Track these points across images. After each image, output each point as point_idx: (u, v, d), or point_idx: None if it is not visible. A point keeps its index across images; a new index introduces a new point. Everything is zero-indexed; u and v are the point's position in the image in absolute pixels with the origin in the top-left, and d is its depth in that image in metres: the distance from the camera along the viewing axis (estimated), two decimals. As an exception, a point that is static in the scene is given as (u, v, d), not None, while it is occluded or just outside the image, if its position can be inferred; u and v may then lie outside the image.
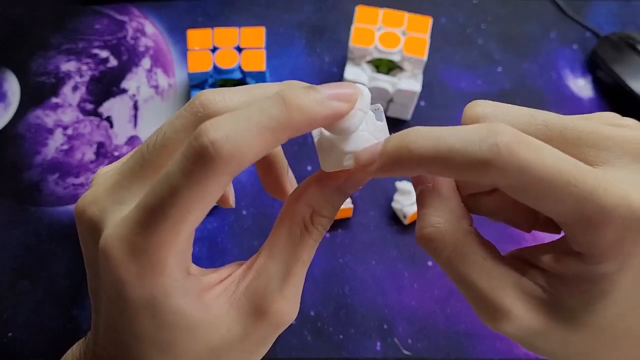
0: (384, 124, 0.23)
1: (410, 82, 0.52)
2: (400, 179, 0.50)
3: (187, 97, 0.57)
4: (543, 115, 0.21)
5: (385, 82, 0.52)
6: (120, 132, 0.55)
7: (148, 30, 0.60)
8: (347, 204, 0.49)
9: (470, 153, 0.19)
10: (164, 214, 0.19)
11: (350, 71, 0.53)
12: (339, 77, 0.57)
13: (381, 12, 0.53)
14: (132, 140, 0.55)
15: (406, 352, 0.46)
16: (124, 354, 0.21)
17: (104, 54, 0.59)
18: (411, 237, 0.50)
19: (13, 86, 0.58)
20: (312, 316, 0.47)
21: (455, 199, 0.22)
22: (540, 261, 0.22)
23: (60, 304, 0.48)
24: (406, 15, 0.53)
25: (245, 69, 0.52)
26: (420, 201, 0.22)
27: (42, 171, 0.53)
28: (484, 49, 0.59)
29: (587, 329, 0.21)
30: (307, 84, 0.22)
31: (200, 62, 0.52)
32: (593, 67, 0.57)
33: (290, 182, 0.27)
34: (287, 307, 0.22)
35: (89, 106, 0.56)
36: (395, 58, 0.52)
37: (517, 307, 0.21)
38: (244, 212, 0.51)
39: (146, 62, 0.58)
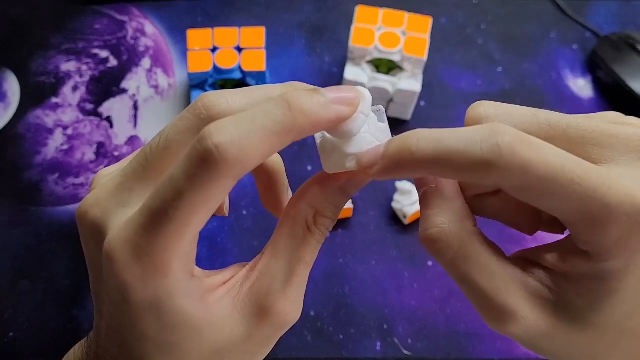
0: (385, 126, 0.23)
1: (410, 82, 0.52)
2: (401, 179, 0.50)
3: (187, 97, 0.57)
4: (546, 114, 0.21)
5: (385, 82, 0.52)
6: (120, 132, 0.55)
7: (148, 30, 0.60)
8: (347, 204, 0.49)
9: (471, 154, 0.18)
10: (168, 217, 0.19)
11: (350, 71, 0.53)
12: (339, 77, 0.57)
13: (381, 12, 0.53)
14: (132, 140, 0.55)
15: (406, 352, 0.46)
16: (127, 355, 0.21)
17: (104, 54, 0.59)
18: (411, 237, 0.50)
19: (13, 86, 0.58)
20: (312, 316, 0.47)
21: (459, 200, 0.22)
22: (546, 261, 0.22)
23: (61, 304, 0.48)
24: (406, 15, 0.53)
25: (245, 69, 0.52)
26: (424, 202, 0.22)
27: (42, 171, 0.53)
28: (484, 49, 0.59)
29: (594, 329, 0.21)
30: (310, 86, 0.22)
31: (200, 62, 0.52)
32: (593, 67, 0.57)
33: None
34: (290, 308, 0.22)
35: (89, 106, 0.56)
36: (395, 58, 0.52)
37: (524, 308, 0.21)
38: (244, 212, 0.51)
39: (146, 62, 0.58)
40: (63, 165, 0.53)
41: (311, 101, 0.20)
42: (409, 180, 0.50)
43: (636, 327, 0.21)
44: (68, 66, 0.58)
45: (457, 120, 0.55)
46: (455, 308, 0.47)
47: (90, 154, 0.54)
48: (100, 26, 0.60)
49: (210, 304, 0.21)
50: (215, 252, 0.49)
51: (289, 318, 0.22)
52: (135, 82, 0.57)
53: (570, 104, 0.56)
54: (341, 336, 0.46)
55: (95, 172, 0.53)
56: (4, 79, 0.58)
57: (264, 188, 0.27)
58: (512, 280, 0.21)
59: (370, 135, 0.22)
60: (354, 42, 0.51)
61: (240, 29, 0.53)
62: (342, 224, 0.50)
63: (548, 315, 0.21)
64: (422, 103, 0.56)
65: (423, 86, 0.53)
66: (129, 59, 0.58)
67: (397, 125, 0.55)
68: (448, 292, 0.48)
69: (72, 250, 0.50)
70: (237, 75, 0.52)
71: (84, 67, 0.58)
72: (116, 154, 0.54)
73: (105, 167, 0.51)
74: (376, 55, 0.52)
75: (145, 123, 0.55)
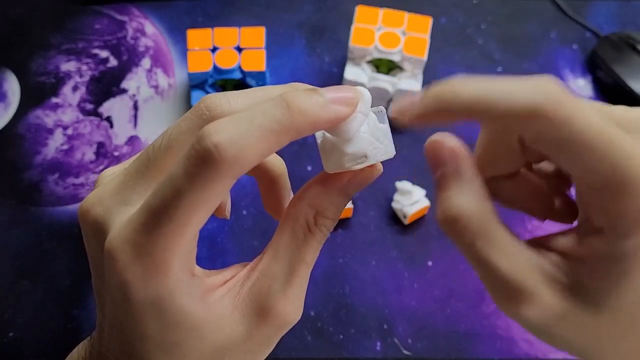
0: (386, 126, 0.23)
1: (410, 82, 0.52)
2: (401, 179, 0.50)
3: (187, 97, 0.57)
4: (580, 99, 0.21)
5: (385, 82, 0.52)
6: (120, 132, 0.55)
7: (148, 30, 0.60)
8: (347, 204, 0.49)
9: (520, 99, 0.19)
10: (168, 217, 0.19)
11: (350, 71, 0.53)
12: (339, 77, 0.57)
13: (381, 12, 0.53)
14: (132, 140, 0.55)
15: (406, 352, 0.46)
16: (129, 354, 0.21)
17: (104, 54, 0.59)
18: (411, 237, 0.50)
19: (13, 86, 0.58)
20: (312, 316, 0.47)
21: (478, 181, 0.22)
22: (561, 245, 0.22)
23: (61, 304, 0.48)
24: (406, 15, 0.53)
25: (245, 69, 0.52)
26: (442, 184, 0.22)
27: (42, 171, 0.53)
28: (484, 49, 0.59)
29: (608, 312, 0.20)
30: (310, 86, 0.22)
31: (200, 62, 0.52)
32: (593, 67, 0.57)
33: None
34: (290, 308, 0.22)
35: (89, 106, 0.56)
36: (395, 58, 0.52)
37: (541, 289, 0.21)
38: (244, 212, 0.51)
39: (146, 62, 0.58)
40: (63, 165, 0.53)
41: (310, 101, 0.20)
42: (409, 180, 0.50)
43: None
44: (68, 66, 0.58)
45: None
46: (455, 308, 0.47)
47: (90, 154, 0.54)
48: (100, 26, 0.60)
49: (211, 303, 0.21)
50: (215, 252, 0.49)
51: (289, 318, 0.22)
52: (135, 82, 0.57)
53: (570, 104, 0.56)
54: (341, 336, 0.46)
55: (96, 172, 0.53)
56: (4, 79, 0.58)
57: (266, 191, 0.27)
58: (529, 263, 0.21)
59: (370, 136, 0.22)
60: (354, 42, 0.51)
61: (240, 29, 0.53)
62: (342, 224, 0.50)
63: (563, 299, 0.21)
64: (422, 103, 0.56)
65: (423, 86, 0.53)
66: (129, 59, 0.58)
67: (397, 126, 0.55)
68: (448, 292, 0.48)
69: (72, 250, 0.50)
70: (237, 75, 0.52)
71: (84, 67, 0.58)
72: (116, 154, 0.54)
73: (105, 167, 0.51)
74: (376, 55, 0.52)
75: (145, 123, 0.55)
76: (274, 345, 0.23)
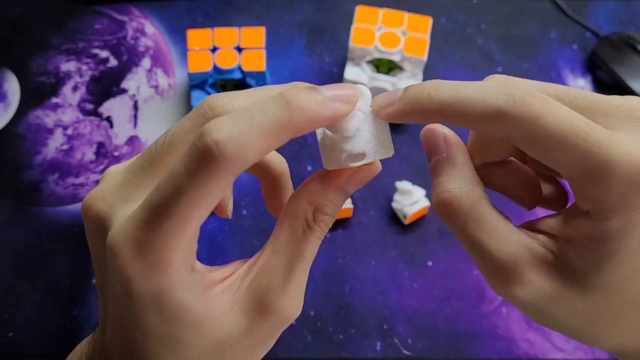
0: (385, 126, 0.23)
1: (410, 82, 0.52)
2: (401, 179, 0.50)
3: (187, 97, 0.57)
4: (554, 86, 0.22)
5: (385, 82, 0.52)
6: (120, 132, 0.55)
7: (148, 30, 0.60)
8: (347, 204, 0.49)
9: (487, 102, 0.20)
10: (169, 213, 0.19)
11: (350, 71, 0.53)
12: (339, 77, 0.57)
13: (381, 12, 0.53)
14: (132, 140, 0.55)
15: (406, 352, 0.46)
16: (131, 348, 0.21)
17: (104, 54, 0.59)
18: (411, 237, 0.50)
19: (13, 86, 0.58)
20: (312, 316, 0.47)
21: (469, 167, 0.23)
22: (549, 228, 0.22)
23: (60, 304, 0.48)
24: (406, 15, 0.53)
25: (245, 69, 0.52)
26: (435, 170, 0.23)
27: (42, 171, 0.53)
28: (484, 49, 0.59)
29: (597, 293, 0.21)
30: (310, 85, 0.22)
31: (200, 62, 0.52)
32: (593, 67, 0.57)
33: None
34: (289, 303, 0.22)
35: (89, 106, 0.56)
36: (395, 58, 0.52)
37: (530, 271, 0.21)
38: (244, 212, 0.51)
39: (146, 62, 0.58)
40: (63, 165, 0.53)
41: (309, 99, 0.20)
42: (409, 180, 0.50)
43: (636, 293, 0.21)
44: (68, 66, 0.58)
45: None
46: (455, 308, 0.47)
47: (90, 154, 0.54)
48: (100, 26, 0.60)
49: (211, 298, 0.22)
50: (215, 251, 0.49)
51: (289, 314, 0.23)
52: (135, 82, 0.57)
53: (570, 104, 0.56)
54: (341, 336, 0.46)
55: (96, 172, 0.53)
56: (4, 79, 0.58)
57: (268, 191, 0.27)
58: (519, 245, 0.22)
59: (369, 134, 0.22)
60: (354, 42, 0.51)
61: (240, 29, 0.53)
62: (342, 224, 0.50)
63: (553, 279, 0.21)
64: (422, 103, 0.56)
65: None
66: (129, 59, 0.59)
67: (396, 126, 0.55)
68: (448, 292, 0.48)
69: (72, 250, 0.50)
70: (237, 75, 0.52)
71: (84, 67, 0.58)
72: (116, 154, 0.54)
73: (106, 167, 0.51)
74: (376, 55, 0.52)
75: (145, 123, 0.55)
76: (274, 341, 0.23)
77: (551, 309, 0.22)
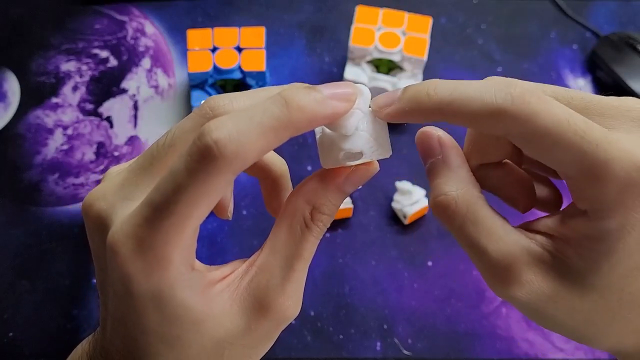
0: (384, 126, 0.23)
1: (410, 82, 0.52)
2: (401, 179, 0.50)
3: (187, 97, 0.57)
4: (552, 87, 0.23)
5: (385, 82, 0.52)
6: (120, 132, 0.55)
7: (148, 30, 0.60)
8: (347, 204, 0.49)
9: (485, 100, 0.20)
10: (169, 211, 0.19)
11: (350, 71, 0.53)
12: (339, 77, 0.57)
13: (381, 12, 0.53)
14: (132, 140, 0.55)
15: (406, 352, 0.46)
16: (131, 347, 0.22)
17: (104, 54, 0.59)
18: (411, 237, 0.50)
19: (13, 86, 0.58)
20: (312, 316, 0.47)
21: (465, 169, 0.23)
22: (547, 228, 0.22)
23: (60, 304, 0.48)
24: (406, 15, 0.53)
25: (245, 69, 0.52)
26: (432, 173, 0.23)
27: (42, 171, 0.53)
28: (484, 49, 0.59)
29: (594, 292, 0.21)
30: (309, 85, 0.22)
31: (200, 62, 0.52)
32: (593, 67, 0.57)
33: None
34: (288, 302, 0.22)
35: (89, 106, 0.56)
36: (395, 58, 0.52)
37: (528, 271, 0.21)
38: (244, 212, 0.51)
39: (146, 62, 0.58)
40: (63, 165, 0.53)
41: (307, 97, 0.20)
42: (409, 180, 0.50)
43: (635, 292, 0.21)
44: (68, 66, 0.58)
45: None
46: (455, 308, 0.47)
47: (90, 154, 0.54)
48: (100, 26, 0.60)
49: (210, 297, 0.22)
50: (215, 251, 0.49)
51: (287, 313, 0.23)
52: (135, 82, 0.57)
53: (570, 104, 0.56)
54: (341, 336, 0.46)
55: (96, 172, 0.53)
56: (4, 79, 0.58)
57: (268, 192, 0.28)
58: (517, 245, 0.22)
59: (367, 134, 0.23)
60: (354, 42, 0.51)
61: (240, 29, 0.53)
62: (342, 224, 0.50)
63: (551, 279, 0.21)
64: (422, 103, 0.56)
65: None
66: (129, 59, 0.59)
67: (396, 125, 0.55)
68: (448, 292, 0.48)
69: (72, 250, 0.50)
70: (237, 75, 0.52)
71: (84, 67, 0.58)
72: (116, 154, 0.54)
73: (106, 167, 0.51)
74: (376, 55, 0.52)
75: (145, 123, 0.55)
76: (273, 340, 0.24)
77: (549, 309, 0.22)
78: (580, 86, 0.57)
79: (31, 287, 0.48)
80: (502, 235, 0.22)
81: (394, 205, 0.50)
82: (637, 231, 0.20)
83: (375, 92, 0.52)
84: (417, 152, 0.24)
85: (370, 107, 0.23)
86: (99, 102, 0.56)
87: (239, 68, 0.52)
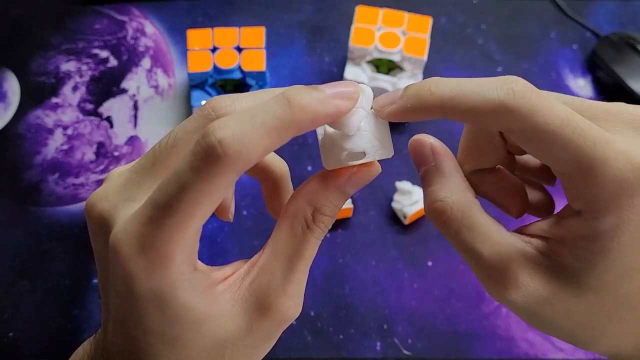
0: (386, 126, 0.23)
1: (410, 82, 0.52)
2: (401, 179, 0.50)
3: (187, 97, 0.57)
4: (546, 92, 0.23)
5: (385, 82, 0.52)
6: (120, 132, 0.55)
7: (148, 30, 0.60)
8: (347, 204, 0.49)
9: (487, 95, 0.20)
10: (173, 210, 0.19)
11: (350, 71, 0.53)
12: (339, 77, 0.57)
13: (381, 12, 0.53)
14: (132, 140, 0.55)
15: (406, 352, 0.46)
16: (133, 347, 0.22)
17: (104, 54, 0.59)
18: (411, 237, 0.50)
19: (13, 86, 0.58)
20: (312, 316, 0.47)
21: (459, 175, 0.23)
22: (542, 230, 0.23)
23: (60, 304, 0.48)
24: (406, 15, 0.53)
25: (245, 69, 0.52)
26: (426, 180, 0.24)
27: (42, 171, 0.53)
28: (484, 49, 0.59)
29: (590, 293, 0.21)
30: (312, 85, 0.22)
31: (200, 62, 0.52)
32: (593, 67, 0.57)
33: None
34: (289, 303, 0.23)
35: (89, 106, 0.56)
36: (395, 58, 0.52)
37: (524, 274, 0.22)
38: (244, 212, 0.51)
39: (146, 62, 0.58)
40: (63, 165, 0.53)
41: (310, 97, 0.20)
42: (409, 180, 0.50)
43: (630, 292, 0.21)
44: (68, 66, 0.58)
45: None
46: (455, 308, 0.47)
47: (90, 154, 0.54)
48: (100, 26, 0.60)
49: (212, 297, 0.22)
50: (215, 252, 0.49)
51: (289, 313, 0.23)
52: (135, 82, 0.57)
53: (570, 104, 0.56)
54: (341, 336, 0.46)
55: (96, 172, 0.53)
56: (4, 79, 0.58)
57: (268, 193, 0.28)
58: (512, 249, 0.22)
59: (370, 134, 0.23)
60: (354, 42, 0.51)
61: (240, 29, 0.53)
62: (342, 224, 0.50)
63: (547, 282, 0.22)
64: (422, 103, 0.56)
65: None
66: (129, 59, 0.59)
67: (396, 126, 0.55)
68: (448, 292, 0.48)
69: (72, 250, 0.50)
70: (237, 75, 0.52)
71: (84, 67, 0.58)
72: (116, 154, 0.54)
73: (106, 167, 0.51)
74: (376, 55, 0.52)
75: (145, 123, 0.55)
76: (274, 341, 0.24)
77: (546, 311, 0.22)
78: (580, 86, 0.57)
79: (31, 287, 0.48)
80: (497, 240, 0.22)
81: (394, 205, 0.50)
82: (632, 231, 0.20)
83: (376, 92, 0.52)
84: (417, 153, 0.24)
85: (372, 108, 0.23)
86: (99, 102, 0.56)
87: (239, 68, 0.52)
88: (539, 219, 0.24)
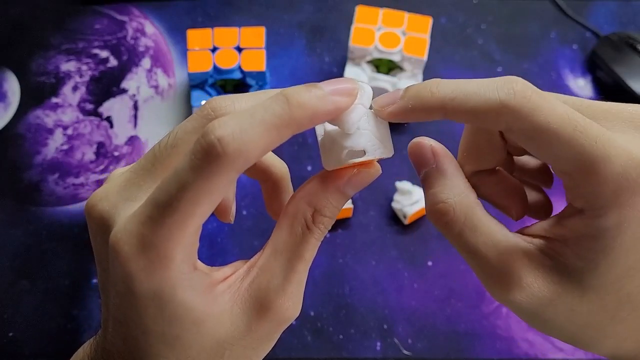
0: (386, 126, 0.23)
1: (410, 82, 0.52)
2: (401, 179, 0.50)
3: (187, 97, 0.57)
4: (546, 93, 0.23)
5: (385, 82, 0.52)
6: (120, 132, 0.55)
7: (148, 30, 0.60)
8: (347, 204, 0.49)
9: (488, 95, 0.20)
10: (172, 208, 0.20)
11: (350, 71, 0.53)
12: (338, 77, 0.57)
13: (381, 12, 0.53)
14: (132, 140, 0.55)
15: (406, 352, 0.46)
16: (132, 348, 0.22)
17: (104, 54, 0.59)
18: (411, 237, 0.50)
19: (13, 86, 0.58)
20: (312, 316, 0.47)
21: (460, 176, 0.23)
22: (544, 231, 0.23)
23: (60, 304, 0.48)
24: (406, 15, 0.53)
25: (245, 69, 0.52)
26: (427, 182, 0.24)
27: (42, 171, 0.53)
28: (484, 49, 0.59)
29: (593, 292, 0.21)
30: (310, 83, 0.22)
31: (200, 62, 0.52)
32: (593, 67, 0.57)
33: None
34: (289, 304, 0.23)
35: (89, 106, 0.56)
36: (395, 58, 0.52)
37: (527, 274, 0.21)
38: (244, 212, 0.51)
39: (146, 62, 0.58)
40: (63, 165, 0.53)
41: (308, 94, 0.20)
42: (409, 180, 0.50)
43: (632, 292, 0.21)
44: (68, 66, 0.58)
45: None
46: (455, 308, 0.47)
47: (90, 154, 0.54)
48: (100, 26, 0.60)
49: (212, 298, 0.22)
50: (215, 252, 0.49)
51: (288, 314, 0.23)
52: (135, 82, 0.57)
53: (570, 104, 0.56)
54: (341, 336, 0.46)
55: (96, 172, 0.53)
56: (4, 79, 0.58)
57: (269, 194, 0.28)
58: (515, 250, 0.22)
59: (369, 132, 0.23)
60: (354, 42, 0.51)
61: (240, 29, 0.53)
62: (342, 224, 0.50)
63: (550, 282, 0.21)
64: (422, 103, 0.56)
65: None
66: (129, 59, 0.59)
67: (396, 126, 0.55)
68: (448, 292, 0.48)
69: (72, 250, 0.50)
70: (237, 75, 0.52)
71: (84, 67, 0.58)
72: (116, 154, 0.54)
73: (106, 167, 0.51)
74: (376, 55, 0.52)
75: (145, 123, 0.55)
76: (274, 341, 0.24)
77: (549, 312, 0.22)
78: (580, 86, 0.57)
79: (31, 287, 0.48)
80: (500, 240, 0.22)
81: (394, 205, 0.50)
82: (633, 229, 0.20)
83: (376, 92, 0.52)
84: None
85: (371, 107, 0.23)
86: (99, 102, 0.56)
87: (239, 68, 0.52)
88: (537, 220, 0.24)
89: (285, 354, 0.45)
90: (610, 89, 0.56)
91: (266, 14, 0.61)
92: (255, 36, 0.53)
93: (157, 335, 0.21)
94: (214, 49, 0.52)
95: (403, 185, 0.49)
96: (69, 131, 0.55)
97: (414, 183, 0.50)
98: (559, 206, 0.23)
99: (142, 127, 0.55)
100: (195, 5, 0.61)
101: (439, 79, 0.22)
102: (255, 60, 0.52)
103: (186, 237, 0.20)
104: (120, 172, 0.24)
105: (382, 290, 0.48)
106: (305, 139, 0.54)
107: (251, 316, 0.22)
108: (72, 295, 0.48)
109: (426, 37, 0.52)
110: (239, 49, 0.52)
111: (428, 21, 0.52)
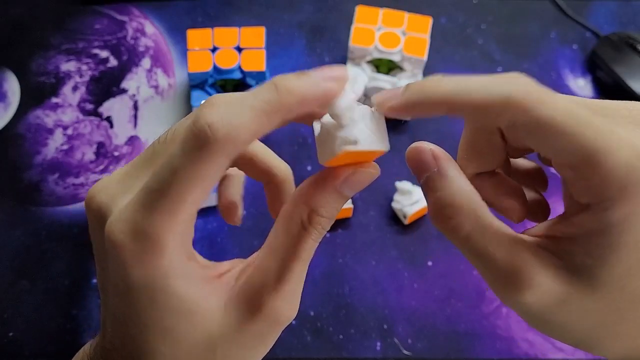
0: (381, 120, 0.23)
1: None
2: (401, 179, 0.50)
3: (187, 97, 0.57)
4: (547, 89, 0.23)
5: (385, 82, 0.52)
6: (120, 132, 0.55)
7: (148, 30, 0.60)
8: (347, 204, 0.49)
9: (492, 89, 0.20)
10: (163, 194, 0.20)
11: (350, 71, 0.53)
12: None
13: (381, 12, 0.53)
14: (132, 140, 0.55)
15: (406, 352, 0.46)
16: (130, 346, 0.22)
17: (104, 54, 0.59)
18: (411, 237, 0.50)
19: (13, 86, 0.58)
20: (312, 316, 0.47)
21: (463, 178, 0.23)
22: (551, 230, 0.22)
23: (60, 304, 0.48)
24: (406, 15, 0.53)
25: (245, 69, 0.52)
26: (430, 187, 0.23)
27: (42, 171, 0.53)
28: (484, 49, 0.59)
29: (603, 290, 0.21)
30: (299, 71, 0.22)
31: (200, 62, 0.52)
32: (593, 67, 0.57)
33: None
34: (282, 304, 0.22)
35: (89, 106, 0.56)
36: (395, 58, 0.52)
37: (538, 275, 0.21)
38: (244, 212, 0.51)
39: (146, 62, 0.58)
40: (63, 165, 0.53)
41: (297, 81, 0.21)
42: (409, 180, 0.50)
43: (637, 290, 0.21)
44: (68, 66, 0.58)
45: (457, 120, 0.54)
46: (455, 308, 0.47)
47: (90, 154, 0.54)
48: (100, 26, 0.60)
49: (205, 291, 0.22)
50: (215, 252, 0.49)
51: (282, 314, 0.22)
52: (135, 82, 0.57)
53: (570, 104, 0.56)
54: (341, 336, 0.46)
55: (95, 172, 0.53)
56: (4, 79, 0.58)
57: (272, 196, 0.28)
58: (524, 250, 0.22)
59: (363, 124, 0.22)
60: (354, 42, 0.51)
61: (240, 29, 0.53)
62: (342, 224, 0.50)
63: (560, 281, 0.21)
64: (422, 103, 0.56)
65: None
66: (129, 59, 0.59)
67: (396, 126, 0.55)
68: (448, 292, 0.48)
69: (72, 250, 0.50)
70: (237, 75, 0.52)
71: (84, 67, 0.58)
72: (116, 154, 0.54)
73: (106, 167, 0.51)
74: (376, 55, 0.52)
75: (145, 123, 0.55)
76: (270, 343, 0.23)
77: (559, 313, 0.21)
78: (580, 86, 0.57)
79: (31, 287, 0.48)
80: (509, 242, 0.22)
81: (394, 205, 0.50)
82: None
83: (376, 92, 0.52)
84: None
85: (367, 101, 0.23)
86: (99, 102, 0.56)
87: (239, 68, 0.52)
88: (535, 223, 0.24)
89: (285, 354, 0.45)
90: (610, 89, 0.56)
91: (266, 14, 0.61)
92: (255, 36, 0.53)
93: (153, 329, 0.21)
94: (214, 49, 0.52)
95: (403, 185, 0.49)
96: (69, 131, 0.55)
97: (414, 183, 0.50)
98: (556, 208, 0.23)
99: (142, 127, 0.55)
100: (195, 5, 0.61)
101: (441, 76, 0.22)
102: (255, 60, 0.52)
103: (178, 223, 0.20)
104: (120, 168, 0.24)
105: (382, 290, 0.48)
106: (305, 139, 0.54)
107: (244, 314, 0.22)
108: (72, 295, 0.48)
109: (426, 37, 0.52)
110: (239, 49, 0.52)
111: (428, 21, 0.52)
